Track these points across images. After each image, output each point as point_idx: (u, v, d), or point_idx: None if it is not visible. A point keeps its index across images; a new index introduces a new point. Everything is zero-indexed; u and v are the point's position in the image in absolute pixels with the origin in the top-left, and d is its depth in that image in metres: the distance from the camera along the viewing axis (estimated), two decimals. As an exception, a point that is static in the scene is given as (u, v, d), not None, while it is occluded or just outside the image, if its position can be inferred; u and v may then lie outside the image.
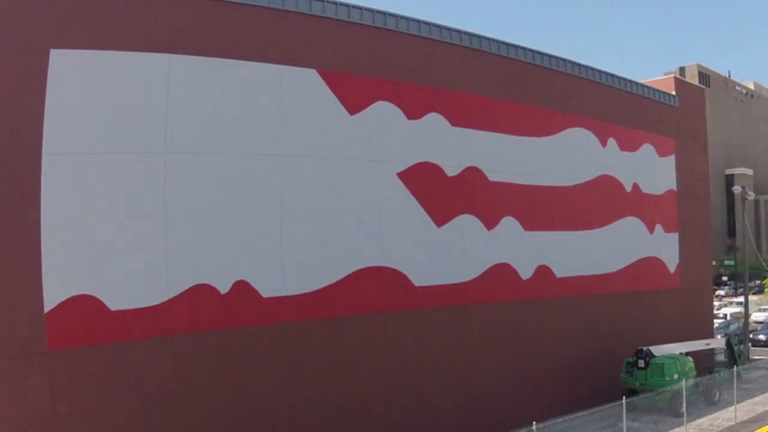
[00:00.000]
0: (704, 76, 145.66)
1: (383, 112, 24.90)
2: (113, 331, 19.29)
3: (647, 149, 36.13)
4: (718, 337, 37.87)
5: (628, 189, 34.69)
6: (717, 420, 28.89)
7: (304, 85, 23.09)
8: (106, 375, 19.17)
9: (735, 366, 32.09)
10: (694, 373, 31.03)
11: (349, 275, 23.71)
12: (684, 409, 27.25)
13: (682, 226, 37.93)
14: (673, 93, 38.77)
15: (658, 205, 36.51)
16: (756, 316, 63.50)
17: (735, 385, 29.76)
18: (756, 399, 32.63)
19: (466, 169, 27.17)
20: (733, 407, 29.09)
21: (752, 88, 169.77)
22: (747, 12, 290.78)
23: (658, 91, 37.86)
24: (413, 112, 25.69)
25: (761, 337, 52.32)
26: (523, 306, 29.09)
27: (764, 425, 27.89)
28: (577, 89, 32.44)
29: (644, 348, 30.14)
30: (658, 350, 30.48)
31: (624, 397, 24.61)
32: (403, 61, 25.73)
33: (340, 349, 23.44)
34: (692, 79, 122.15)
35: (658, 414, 29.48)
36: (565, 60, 32.02)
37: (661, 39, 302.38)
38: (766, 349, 48.34)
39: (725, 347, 35.92)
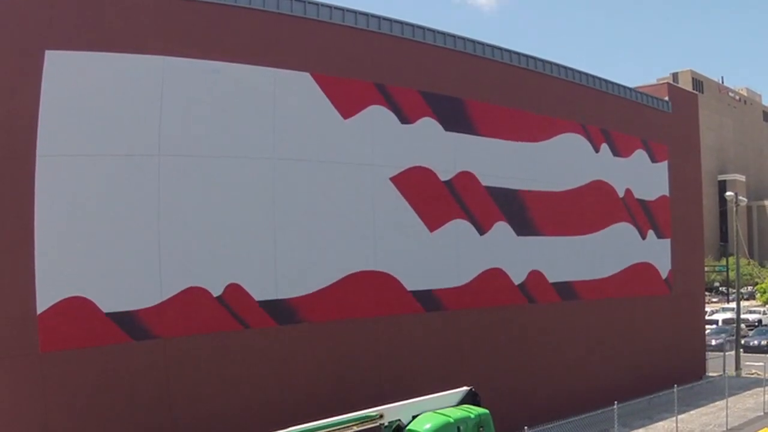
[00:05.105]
0: (697, 82, 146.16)
1: (376, 116, 24.94)
2: (106, 334, 19.27)
3: (640, 155, 36.24)
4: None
5: (621, 194, 34.78)
6: (708, 426, 29.00)
7: (298, 89, 23.11)
8: (98, 377, 19.15)
9: None
10: None
11: (341, 279, 23.73)
12: None
13: (674, 232, 38.03)
14: (667, 99, 38.89)
15: (651, 210, 36.60)
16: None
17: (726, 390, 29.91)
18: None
19: (459, 173, 27.21)
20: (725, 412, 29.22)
21: (745, 94, 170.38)
22: (740, 18, 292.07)
23: (652, 96, 37.97)
24: (407, 116, 25.74)
25: (755, 342, 52.18)
26: (515, 311, 29.12)
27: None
28: (570, 95, 32.52)
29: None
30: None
31: (616, 402, 24.67)
32: (397, 65, 25.78)
33: (333, 352, 23.45)
34: (685, 85, 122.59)
35: (650, 419, 29.59)
36: (558, 65, 32.11)
37: (655, 45, 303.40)
38: (758, 355, 48.30)
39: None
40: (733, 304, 56.38)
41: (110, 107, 19.78)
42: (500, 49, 29.52)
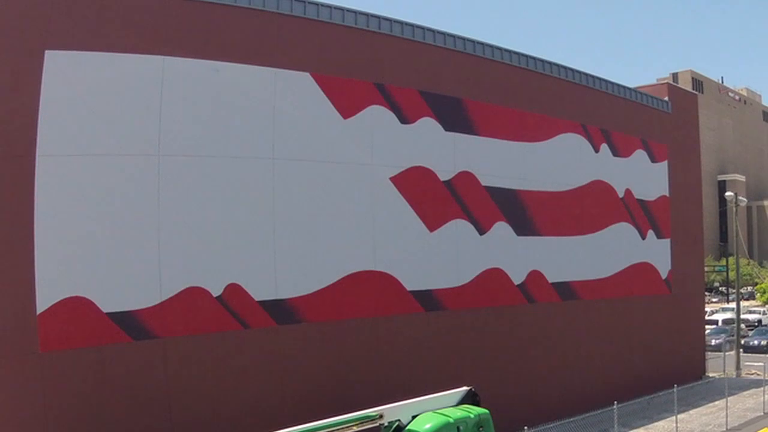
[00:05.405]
0: (697, 82, 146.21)
1: (376, 116, 24.94)
2: (105, 334, 19.28)
3: (640, 155, 36.24)
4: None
5: (621, 195, 34.78)
6: (708, 426, 29.00)
7: (298, 89, 23.12)
8: (98, 377, 19.15)
9: None
10: None
11: (341, 279, 23.72)
12: None
13: (674, 232, 38.04)
14: (666, 99, 38.89)
15: (651, 210, 36.60)
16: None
17: (726, 390, 29.93)
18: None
19: (459, 173, 27.21)
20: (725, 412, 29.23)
21: (745, 94, 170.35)
22: (740, 18, 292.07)
23: (652, 96, 37.97)
24: (406, 116, 25.74)
25: (755, 342, 52.13)
26: (514, 311, 29.12)
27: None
28: (570, 94, 32.52)
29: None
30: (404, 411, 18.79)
31: (615, 402, 24.68)
32: (397, 65, 25.77)
33: (333, 352, 23.45)
34: (685, 85, 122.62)
35: (650, 419, 29.59)
36: (558, 65, 32.10)
37: (655, 45, 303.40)
38: (759, 355, 48.28)
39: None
40: (733, 304, 56.41)
41: (110, 107, 19.78)
42: (500, 49, 29.52)
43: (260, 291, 21.95)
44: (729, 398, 30.04)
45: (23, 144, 18.46)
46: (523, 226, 29.60)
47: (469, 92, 27.88)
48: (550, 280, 30.71)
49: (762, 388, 33.16)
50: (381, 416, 18.21)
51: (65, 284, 18.75)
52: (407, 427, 18.29)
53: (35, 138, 18.56)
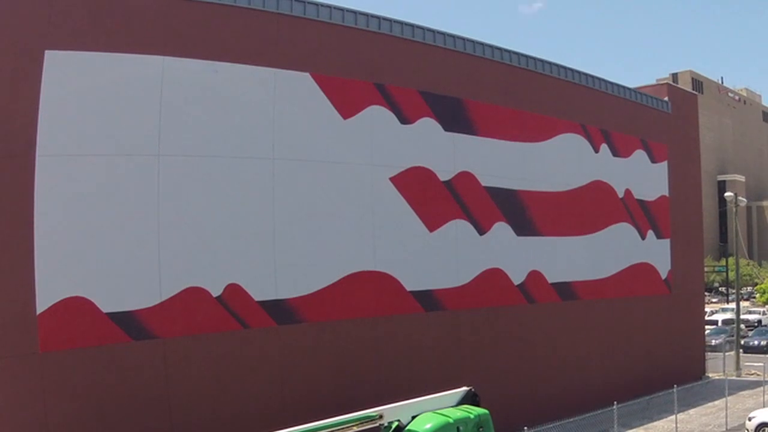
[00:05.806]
0: (697, 82, 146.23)
1: (376, 117, 24.94)
2: (105, 334, 19.27)
3: (640, 155, 36.23)
4: None
5: (621, 195, 34.77)
6: (708, 426, 29.00)
7: (298, 89, 23.12)
8: (98, 377, 19.15)
9: None
10: None
11: (341, 279, 23.72)
12: None
13: (674, 233, 38.03)
14: (666, 99, 38.89)
15: (651, 211, 36.60)
16: None
17: (727, 391, 29.91)
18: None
19: (459, 174, 27.21)
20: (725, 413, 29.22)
21: (744, 94, 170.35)
22: (740, 18, 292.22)
23: (651, 97, 37.97)
24: (406, 116, 25.74)
25: (755, 342, 52.09)
26: (514, 311, 29.12)
27: None
28: (570, 95, 32.51)
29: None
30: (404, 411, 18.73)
31: (615, 403, 24.68)
32: (397, 65, 25.78)
33: (333, 352, 23.45)
34: (685, 85, 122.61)
35: (649, 419, 29.58)
36: (558, 65, 32.10)
37: (655, 45, 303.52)
38: (759, 355, 48.23)
39: None
40: (733, 305, 56.36)
41: (110, 107, 19.78)
42: (500, 49, 29.52)
43: (260, 291, 21.95)
44: (729, 398, 30.03)
45: (23, 144, 18.47)
46: (523, 227, 29.59)
47: (469, 92, 27.88)
48: (550, 281, 30.71)
49: (762, 389, 33.14)
50: (381, 416, 18.22)
51: (65, 284, 18.75)
52: (407, 428, 18.30)
53: (35, 138, 18.56)
